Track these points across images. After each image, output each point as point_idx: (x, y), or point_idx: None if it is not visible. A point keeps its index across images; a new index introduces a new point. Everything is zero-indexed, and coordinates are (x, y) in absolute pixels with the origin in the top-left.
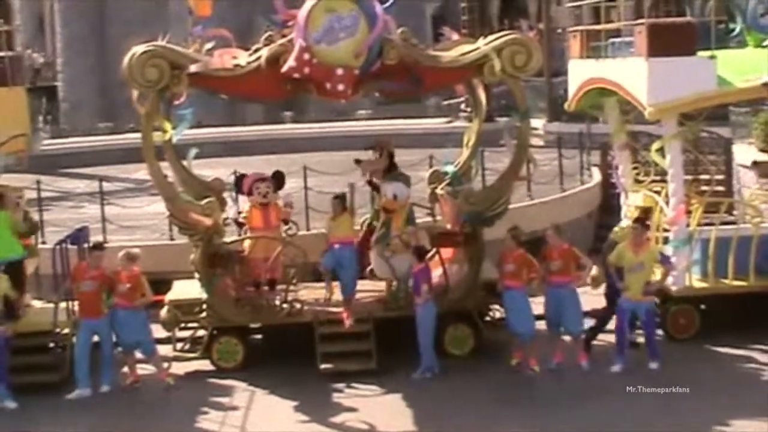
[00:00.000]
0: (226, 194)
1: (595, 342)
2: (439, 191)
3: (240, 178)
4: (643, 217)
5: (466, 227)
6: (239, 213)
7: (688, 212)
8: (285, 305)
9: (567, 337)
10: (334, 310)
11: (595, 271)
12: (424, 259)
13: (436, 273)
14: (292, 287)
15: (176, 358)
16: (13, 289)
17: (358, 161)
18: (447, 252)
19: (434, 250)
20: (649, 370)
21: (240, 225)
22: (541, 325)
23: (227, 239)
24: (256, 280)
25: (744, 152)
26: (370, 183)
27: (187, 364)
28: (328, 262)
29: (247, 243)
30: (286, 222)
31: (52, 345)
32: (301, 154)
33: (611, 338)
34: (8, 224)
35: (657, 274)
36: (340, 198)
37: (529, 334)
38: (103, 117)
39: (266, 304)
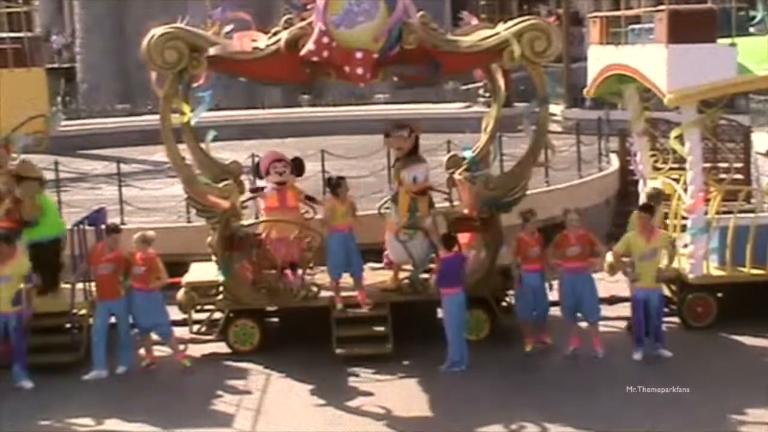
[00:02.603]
0: (243, 177)
1: (608, 329)
2: (456, 176)
3: (260, 163)
4: (650, 202)
5: (483, 212)
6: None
7: (707, 200)
8: (302, 289)
9: (583, 324)
10: (350, 293)
11: (610, 257)
12: (453, 248)
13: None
14: (309, 270)
15: (192, 341)
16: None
17: (388, 135)
18: (464, 237)
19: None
20: (663, 358)
21: (255, 191)
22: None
23: (244, 222)
24: (273, 263)
25: (763, 140)
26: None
27: (203, 346)
28: (336, 255)
29: (263, 224)
30: (310, 199)
31: (69, 326)
32: (318, 138)
33: (623, 325)
34: (51, 202)
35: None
36: (342, 180)
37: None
38: (122, 98)
39: (283, 287)
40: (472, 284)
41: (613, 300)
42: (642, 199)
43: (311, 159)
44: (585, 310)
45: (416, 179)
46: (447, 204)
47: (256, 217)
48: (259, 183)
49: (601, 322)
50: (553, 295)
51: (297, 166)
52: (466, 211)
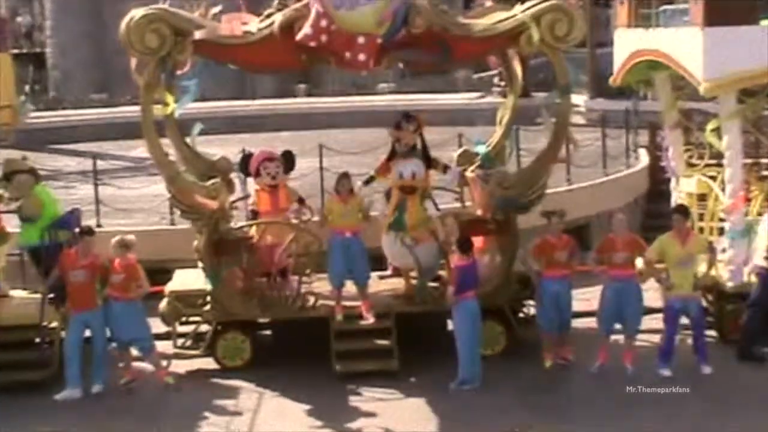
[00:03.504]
0: (233, 175)
1: (639, 343)
2: (469, 174)
3: (247, 158)
4: (685, 204)
5: (498, 214)
6: (248, 197)
7: (747, 200)
8: (297, 298)
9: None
10: (351, 303)
11: (640, 263)
12: (469, 253)
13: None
14: (305, 278)
15: (176, 356)
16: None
17: (399, 127)
18: (477, 241)
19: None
20: (700, 375)
21: (254, 213)
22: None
23: (235, 224)
24: (267, 270)
25: None
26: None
27: (189, 362)
28: (336, 262)
29: (255, 229)
30: (301, 203)
31: (38, 340)
32: (316, 131)
33: (656, 338)
34: (52, 197)
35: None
36: (347, 177)
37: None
38: (98, 88)
39: (277, 296)
40: (486, 293)
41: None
42: (674, 199)
43: (308, 155)
44: (627, 322)
45: (402, 175)
46: (458, 204)
47: (248, 219)
48: (249, 183)
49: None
50: (576, 305)
51: (287, 161)
52: (479, 212)
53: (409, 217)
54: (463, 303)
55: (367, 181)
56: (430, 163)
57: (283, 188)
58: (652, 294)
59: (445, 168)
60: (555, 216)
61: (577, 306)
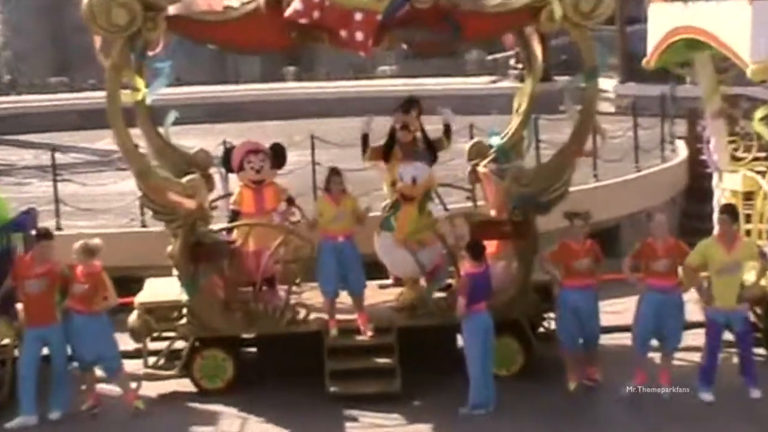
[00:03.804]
0: (212, 170)
1: (676, 362)
2: (481, 169)
3: (229, 151)
4: (732, 204)
5: (515, 215)
6: (229, 195)
7: None
8: (286, 311)
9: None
10: (347, 317)
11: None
12: (482, 259)
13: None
14: (295, 288)
15: (147, 377)
16: None
17: (407, 110)
18: (491, 245)
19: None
20: (747, 400)
21: (235, 214)
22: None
23: (214, 226)
24: (250, 279)
25: None
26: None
27: (162, 384)
28: (328, 269)
29: (237, 232)
30: (290, 203)
31: None
32: (307, 121)
33: (696, 357)
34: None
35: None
36: (338, 173)
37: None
38: (57, 70)
39: (262, 308)
40: (501, 305)
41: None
42: (717, 197)
43: (299, 147)
44: (666, 338)
45: (402, 178)
46: (469, 204)
47: (230, 221)
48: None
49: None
50: (604, 319)
51: (276, 156)
52: (493, 212)
53: (404, 223)
54: (474, 316)
55: (364, 140)
56: (435, 157)
57: (270, 186)
58: (690, 306)
59: (447, 129)
60: (580, 218)
61: (606, 320)
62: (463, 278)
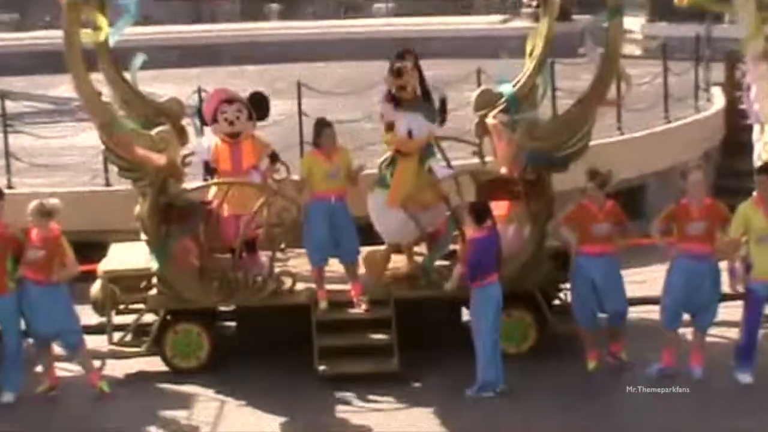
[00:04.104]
0: (185, 121)
1: (710, 339)
2: (490, 120)
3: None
4: None
5: (527, 172)
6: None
7: None
8: (268, 280)
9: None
10: (338, 287)
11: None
12: (488, 222)
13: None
14: (279, 254)
15: (113, 354)
16: None
17: (402, 55)
18: (500, 207)
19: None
20: None
21: (211, 171)
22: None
23: (188, 185)
24: (228, 244)
25: None
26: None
27: (129, 362)
28: (317, 232)
29: (214, 191)
30: (273, 159)
31: None
32: (293, 65)
33: (732, 333)
34: None
35: None
36: (329, 125)
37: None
38: (5, 5)
39: (242, 278)
40: (512, 274)
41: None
42: (757, 152)
43: (283, 96)
44: (699, 312)
45: (412, 134)
46: (476, 160)
47: (204, 179)
48: (203, 141)
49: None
50: (629, 290)
51: (257, 106)
52: (503, 170)
53: (402, 181)
54: (484, 287)
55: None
56: (444, 110)
57: (250, 140)
58: (725, 277)
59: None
60: (599, 179)
61: (630, 291)
62: (467, 244)
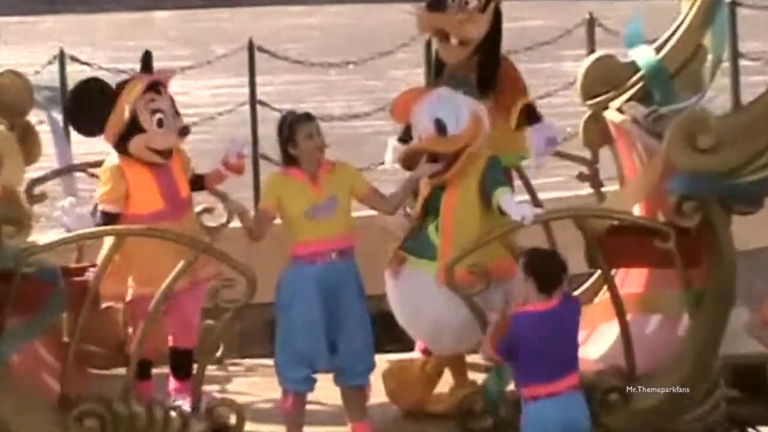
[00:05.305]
0: (34, 117)
1: None
2: (612, 115)
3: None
4: None
5: (686, 214)
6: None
7: None
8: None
9: None
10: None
11: None
12: (557, 291)
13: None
14: (214, 369)
15: None
16: None
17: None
18: (633, 280)
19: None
20: None
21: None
22: None
23: (42, 237)
24: (119, 349)
25: None
26: None
27: None
28: (297, 328)
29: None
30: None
31: None
32: (243, 10)
33: None
34: None
35: None
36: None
37: None
38: None
39: (145, 413)
40: (652, 404)
41: None
42: None
43: (221, 70)
44: None
45: (446, 128)
46: (586, 187)
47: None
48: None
49: None
50: None
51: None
52: (637, 208)
53: (453, 231)
54: (533, 401)
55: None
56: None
57: (177, 155)
58: None
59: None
60: None
61: None
62: (510, 318)
